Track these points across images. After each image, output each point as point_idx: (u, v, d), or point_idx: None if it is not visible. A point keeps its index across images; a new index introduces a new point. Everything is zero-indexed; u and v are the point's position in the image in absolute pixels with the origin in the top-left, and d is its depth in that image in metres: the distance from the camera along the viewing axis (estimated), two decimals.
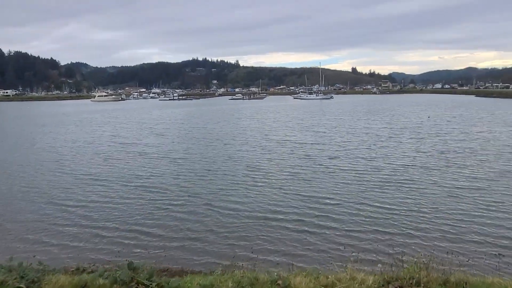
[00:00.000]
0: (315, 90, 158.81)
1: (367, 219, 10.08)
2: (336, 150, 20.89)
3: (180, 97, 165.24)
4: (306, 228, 9.57)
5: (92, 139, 27.80)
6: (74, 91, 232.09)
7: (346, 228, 9.52)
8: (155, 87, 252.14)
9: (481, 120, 39.07)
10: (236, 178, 14.92)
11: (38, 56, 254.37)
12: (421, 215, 10.32)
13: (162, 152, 21.43)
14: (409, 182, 13.81)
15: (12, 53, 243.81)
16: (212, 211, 11.05)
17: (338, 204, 11.43)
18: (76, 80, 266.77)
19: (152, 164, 17.87)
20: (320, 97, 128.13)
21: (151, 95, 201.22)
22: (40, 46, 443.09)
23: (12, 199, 12.69)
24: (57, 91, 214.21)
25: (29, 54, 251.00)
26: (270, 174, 15.41)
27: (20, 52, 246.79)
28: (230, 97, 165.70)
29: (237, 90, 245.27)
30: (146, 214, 10.92)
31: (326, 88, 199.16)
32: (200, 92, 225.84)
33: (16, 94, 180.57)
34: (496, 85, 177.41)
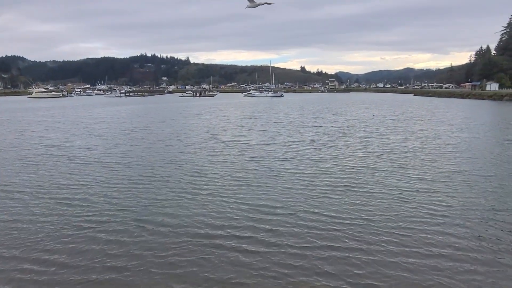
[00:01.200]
0: (266, 88, 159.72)
1: (319, 232, 9.00)
2: (285, 152, 19.91)
3: (127, 94, 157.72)
4: (254, 248, 8.23)
5: (17, 141, 24.37)
6: (9, 86, 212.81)
7: (299, 245, 8.32)
8: (101, 84, 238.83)
9: (422, 118, 40.65)
10: (176, 185, 13.24)
11: None
12: (374, 225, 9.46)
13: (95, 155, 19.01)
14: (359, 185, 13.07)
15: None
16: (142, 228, 9.34)
17: (289, 214, 10.26)
18: (12, 75, 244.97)
19: (79, 171, 15.53)
20: (271, 95, 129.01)
21: (95, 91, 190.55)
22: None
23: None
24: None
25: None
26: (215, 180, 13.92)
27: None
28: (180, 94, 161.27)
29: (187, 87, 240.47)
30: (59, 236, 8.91)
31: (276, 86, 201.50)
32: (148, 89, 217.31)
33: None
34: (431, 85, 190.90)
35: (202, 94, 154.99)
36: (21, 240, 8.77)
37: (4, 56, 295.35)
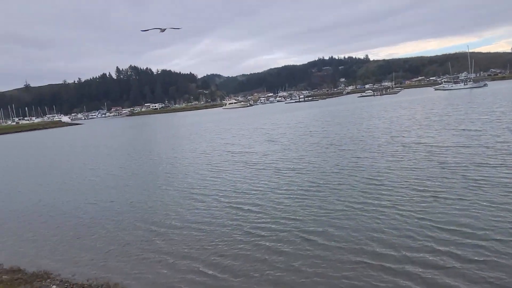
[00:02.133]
0: (463, 78, 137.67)
1: None
2: (489, 156, 16.18)
3: (306, 99, 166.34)
4: (438, 279, 6.78)
5: (208, 148, 28.89)
6: (209, 100, 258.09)
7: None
8: (282, 91, 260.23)
9: None
10: (346, 194, 12.56)
11: (180, 72, 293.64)
12: None
13: (270, 161, 20.37)
14: None
15: (159, 72, 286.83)
16: (305, 240, 9.14)
17: (494, 240, 8.09)
18: (211, 91, 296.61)
19: (255, 176, 16.90)
20: (470, 86, 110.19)
21: (277, 98, 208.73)
22: (181, 63, 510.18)
23: (97, 212, 13.25)
24: (195, 102, 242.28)
25: (172, 71, 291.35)
26: (392, 190, 12.51)
27: (165, 70, 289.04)
28: (359, 94, 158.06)
29: (367, 86, 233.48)
30: (228, 240, 9.70)
31: (477, 75, 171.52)
32: (326, 92, 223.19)
33: (162, 107, 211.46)
34: None
35: (384, 92, 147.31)
36: (197, 240, 9.99)
37: (205, 75, 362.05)
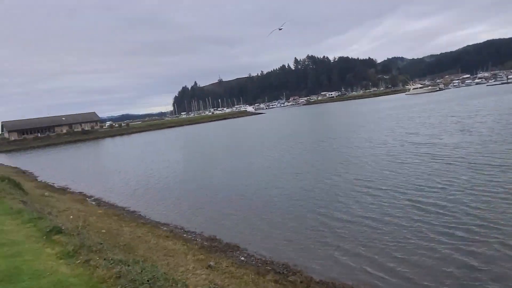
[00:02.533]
0: None
1: None
2: None
3: None
4: None
5: (387, 138, 27.68)
6: (389, 86, 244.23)
7: None
8: (482, 71, 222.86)
9: None
10: None
11: (357, 58, 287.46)
12: None
13: (462, 155, 18.12)
14: None
15: (336, 59, 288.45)
16: (504, 254, 7.95)
17: None
18: (391, 75, 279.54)
19: (440, 172, 15.40)
20: None
21: (476, 81, 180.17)
22: (359, 49, 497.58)
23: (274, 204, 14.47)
24: (374, 88, 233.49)
25: (350, 58, 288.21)
26: None
27: (342, 57, 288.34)
28: None
29: None
30: (401, 241, 9.34)
31: None
32: None
33: (338, 95, 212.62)
34: None
35: None
36: (368, 237, 9.98)
37: (385, 59, 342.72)
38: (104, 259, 4.93)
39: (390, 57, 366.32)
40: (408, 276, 7.79)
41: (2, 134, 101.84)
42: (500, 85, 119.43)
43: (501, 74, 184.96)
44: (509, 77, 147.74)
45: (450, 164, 16.67)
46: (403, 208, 11.82)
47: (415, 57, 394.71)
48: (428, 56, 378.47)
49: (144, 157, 37.44)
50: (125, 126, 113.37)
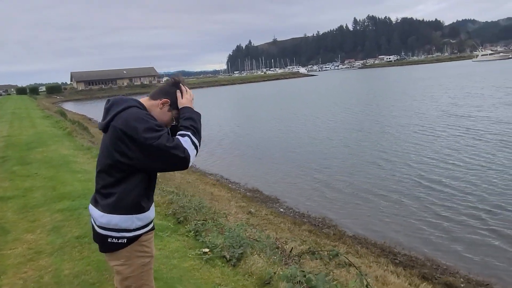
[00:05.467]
0: None
1: None
2: None
3: None
4: None
5: (427, 108, 26.35)
6: (455, 51, 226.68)
7: None
8: None
9: None
10: None
11: (422, 20, 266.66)
12: None
13: (500, 130, 17.06)
14: None
15: (398, 20, 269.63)
16: None
17: None
18: (459, 40, 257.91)
19: (470, 147, 14.85)
20: None
21: None
22: (425, 9, 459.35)
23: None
24: (437, 53, 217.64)
25: (414, 19, 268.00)
26: None
27: (406, 18, 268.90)
28: None
29: None
30: (403, 223, 9.51)
31: None
32: None
33: (396, 59, 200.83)
34: None
35: None
36: (401, 203, 10.23)
37: (454, 21, 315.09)
38: (159, 189, 5.86)
39: (460, 20, 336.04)
40: (432, 240, 8.14)
41: (71, 84, 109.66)
42: None
43: None
44: None
45: (483, 140, 15.91)
46: (410, 183, 11.87)
47: (489, 20, 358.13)
48: (504, 19, 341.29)
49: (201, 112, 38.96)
50: None
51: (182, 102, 2.20)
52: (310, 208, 10.77)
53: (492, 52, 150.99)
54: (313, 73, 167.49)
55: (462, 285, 6.60)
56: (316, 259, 4.53)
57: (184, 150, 1.93)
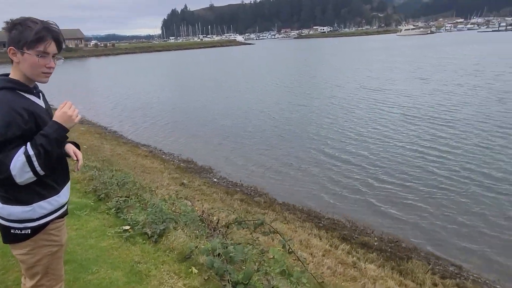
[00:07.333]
0: None
1: None
2: None
3: (508, 28, 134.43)
4: None
5: (344, 81, 27.54)
6: (383, 25, 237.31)
7: None
8: (476, 16, 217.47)
9: None
10: None
11: None
12: None
13: (403, 104, 18.58)
14: None
15: None
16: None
17: None
18: (386, 14, 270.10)
19: (374, 118, 16.13)
20: None
21: (468, 26, 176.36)
22: None
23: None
24: (367, 26, 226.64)
25: None
26: None
27: None
28: None
29: None
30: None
31: None
32: None
33: (330, 31, 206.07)
34: None
35: None
36: (329, 168, 10.79)
37: None
38: None
39: None
40: (352, 204, 8.77)
41: None
42: (491, 33, 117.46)
43: (494, 21, 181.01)
44: (501, 24, 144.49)
45: (387, 112, 17.28)
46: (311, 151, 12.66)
47: None
48: None
49: (132, 79, 37.05)
50: (111, 46, 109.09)
51: (56, 115, 1.83)
52: (243, 178, 10.92)
53: (414, 27, 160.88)
54: (250, 42, 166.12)
55: (375, 243, 7.23)
56: (243, 228, 4.62)
57: (7, 171, 1.67)
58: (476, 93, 19.83)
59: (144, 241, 3.48)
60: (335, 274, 5.51)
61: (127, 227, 3.71)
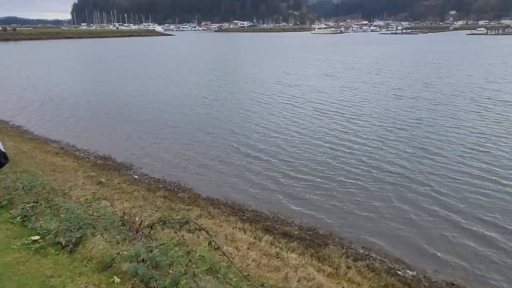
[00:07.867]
0: None
1: None
2: None
3: (404, 31, 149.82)
4: None
5: (262, 77, 28.59)
6: (298, 23, 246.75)
7: None
8: (378, 19, 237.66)
9: None
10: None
11: None
12: None
13: (312, 98, 19.98)
14: None
15: None
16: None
17: None
18: (301, 12, 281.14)
19: (284, 111, 17.06)
20: None
21: (371, 28, 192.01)
22: None
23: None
24: (284, 23, 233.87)
25: None
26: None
27: None
28: (469, 31, 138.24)
29: (481, 22, 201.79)
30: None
31: None
32: (430, 25, 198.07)
33: (249, 25, 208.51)
34: None
35: (499, 31, 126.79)
36: (247, 160, 10.96)
37: None
38: None
39: None
40: (274, 196, 9.03)
41: None
42: (389, 35, 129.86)
43: (392, 24, 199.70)
44: (398, 28, 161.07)
45: (297, 106, 18.49)
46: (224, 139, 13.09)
47: None
48: None
49: (37, 69, 33.26)
50: (12, 30, 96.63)
51: None
52: (165, 173, 10.54)
53: (326, 26, 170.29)
54: (170, 33, 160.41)
55: (296, 232, 7.53)
56: (168, 227, 4.42)
57: None
58: (378, 90, 21.75)
59: (57, 252, 3.12)
60: (259, 266, 5.60)
61: (37, 237, 3.29)
